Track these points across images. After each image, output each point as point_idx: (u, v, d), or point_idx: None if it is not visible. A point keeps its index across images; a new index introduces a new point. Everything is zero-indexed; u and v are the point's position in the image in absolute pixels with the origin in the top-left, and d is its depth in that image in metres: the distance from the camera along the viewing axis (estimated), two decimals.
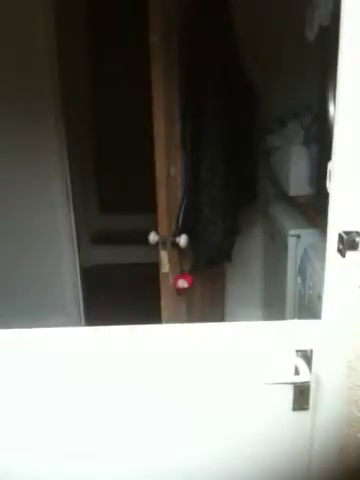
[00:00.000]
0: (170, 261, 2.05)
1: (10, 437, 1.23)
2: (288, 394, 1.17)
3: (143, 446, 1.24)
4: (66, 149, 2.79)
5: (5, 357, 1.18)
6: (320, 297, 1.19)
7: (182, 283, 2.10)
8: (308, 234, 2.16)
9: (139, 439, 1.24)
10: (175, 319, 2.12)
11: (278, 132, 2.53)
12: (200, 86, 2.21)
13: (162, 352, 1.19)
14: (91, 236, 4.27)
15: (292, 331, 1.16)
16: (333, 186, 1.07)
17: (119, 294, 3.41)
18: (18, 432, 1.22)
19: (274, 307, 2.61)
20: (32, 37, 2.57)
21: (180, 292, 2.16)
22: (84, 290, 3.04)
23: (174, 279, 2.10)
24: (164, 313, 2.10)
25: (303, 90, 2.24)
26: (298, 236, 2.17)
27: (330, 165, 1.07)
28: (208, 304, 2.71)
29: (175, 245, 2.06)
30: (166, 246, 2.02)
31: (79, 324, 2.94)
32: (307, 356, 1.15)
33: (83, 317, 3.03)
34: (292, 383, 1.14)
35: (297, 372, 1.14)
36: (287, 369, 1.15)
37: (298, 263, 2.17)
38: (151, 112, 1.93)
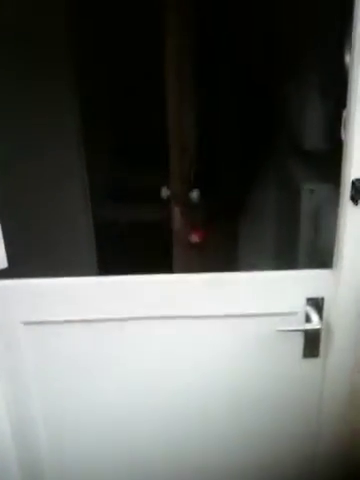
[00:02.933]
0: (182, 216, 2.05)
1: None
2: (299, 342, 1.19)
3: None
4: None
5: None
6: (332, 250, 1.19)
7: (194, 237, 2.10)
8: (322, 188, 2.13)
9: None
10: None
11: (294, 83, 2.47)
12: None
13: (175, 300, 1.20)
14: (103, 193, 4.25)
15: (304, 279, 1.17)
16: (347, 134, 1.06)
17: (131, 251, 3.41)
18: None
19: (287, 262, 2.61)
20: None
21: (192, 247, 2.17)
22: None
23: (186, 234, 2.10)
24: (176, 268, 2.12)
25: (320, 43, 2.17)
26: (312, 190, 2.15)
27: (345, 113, 1.06)
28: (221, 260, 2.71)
29: (187, 200, 2.05)
30: (178, 201, 2.02)
31: None
32: (318, 304, 1.16)
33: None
34: (303, 330, 1.16)
35: (308, 320, 1.15)
36: (298, 317, 1.17)
37: (312, 218, 2.15)
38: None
